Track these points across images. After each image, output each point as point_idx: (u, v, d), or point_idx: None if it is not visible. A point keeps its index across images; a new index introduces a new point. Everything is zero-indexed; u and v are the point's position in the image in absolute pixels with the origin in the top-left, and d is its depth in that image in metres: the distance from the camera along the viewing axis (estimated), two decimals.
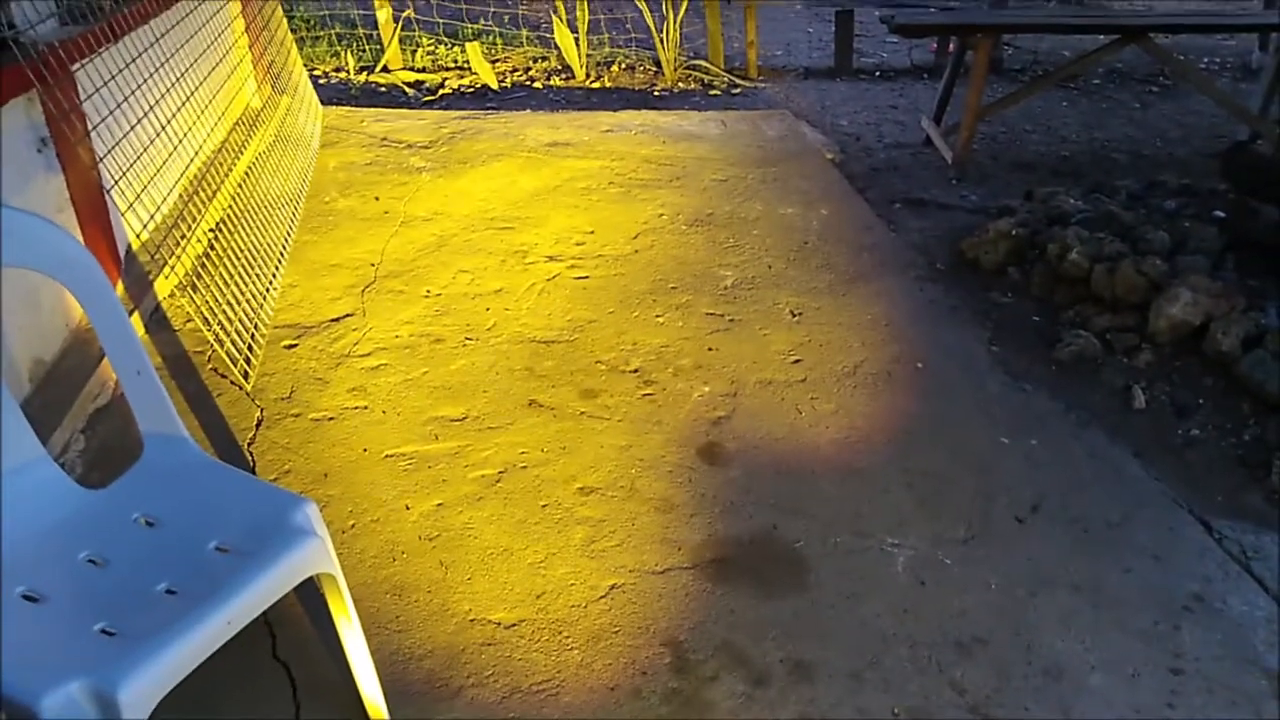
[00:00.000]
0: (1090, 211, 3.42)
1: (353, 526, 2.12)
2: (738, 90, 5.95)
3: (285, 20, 4.88)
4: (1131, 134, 5.15)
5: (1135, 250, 3.07)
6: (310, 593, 1.79)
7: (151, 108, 2.87)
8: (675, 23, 6.00)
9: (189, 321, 2.86)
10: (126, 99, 2.71)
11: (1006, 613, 1.94)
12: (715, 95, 5.86)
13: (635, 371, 2.76)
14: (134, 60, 2.81)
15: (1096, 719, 1.72)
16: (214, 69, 3.69)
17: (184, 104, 3.17)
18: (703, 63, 6.24)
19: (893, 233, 3.78)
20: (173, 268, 2.92)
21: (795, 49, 7.06)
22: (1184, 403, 2.65)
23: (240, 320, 2.76)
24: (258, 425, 2.46)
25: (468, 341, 2.89)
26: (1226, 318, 2.72)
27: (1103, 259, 3.06)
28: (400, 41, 6.25)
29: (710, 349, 2.88)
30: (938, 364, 2.84)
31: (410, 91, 5.80)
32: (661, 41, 6.07)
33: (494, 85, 5.89)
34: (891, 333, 3.00)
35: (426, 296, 3.15)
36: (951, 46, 5.25)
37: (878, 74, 6.41)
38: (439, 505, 2.20)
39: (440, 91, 5.81)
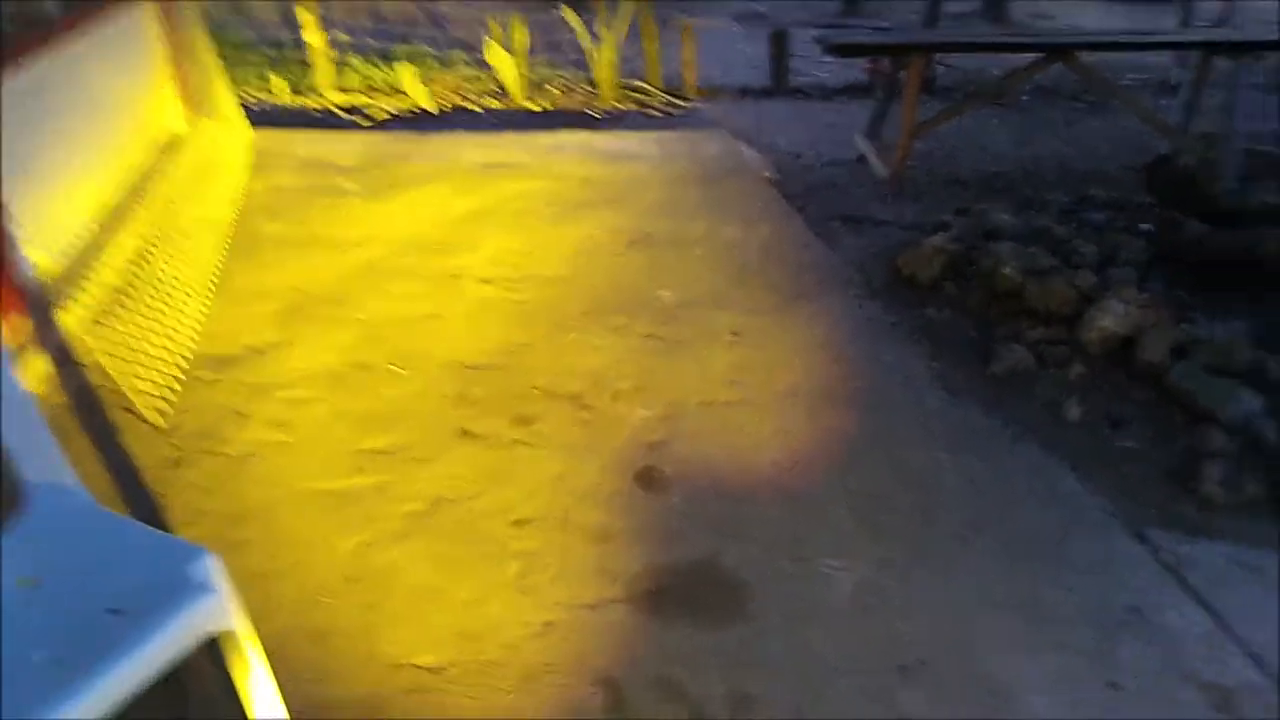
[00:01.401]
0: (1022, 226, 3.46)
1: (272, 569, 2.02)
2: (676, 110, 5.94)
3: (210, 43, 4.75)
4: (1060, 149, 5.26)
5: (1066, 263, 3.10)
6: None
7: (61, 134, 2.74)
8: (611, 44, 5.99)
9: (99, 355, 2.72)
10: (32, 124, 2.58)
11: (948, 634, 1.91)
12: (653, 115, 5.85)
13: (572, 396, 2.70)
14: (41, 86, 2.69)
15: None
16: (132, 93, 3.55)
17: (99, 130, 3.04)
18: (640, 83, 6.23)
19: (831, 251, 3.78)
20: (82, 300, 2.78)
21: (732, 69, 7.09)
22: (1117, 414, 2.67)
23: (155, 353, 2.64)
24: (171, 465, 2.34)
25: (396, 369, 2.80)
26: (1155, 329, 2.76)
27: (1035, 273, 3.09)
28: (331, 64, 6.13)
29: (649, 371, 2.83)
30: (877, 382, 2.82)
31: (342, 114, 5.68)
32: (598, 62, 6.05)
33: (428, 107, 5.80)
34: (831, 352, 2.98)
35: (355, 323, 3.05)
36: (885, 66, 5.32)
37: (813, 93, 6.46)
38: (364, 543, 2.10)
39: (373, 113, 5.71)
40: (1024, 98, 6.26)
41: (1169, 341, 2.71)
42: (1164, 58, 6.89)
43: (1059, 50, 4.42)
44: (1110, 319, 2.80)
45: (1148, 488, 2.41)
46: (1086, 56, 4.74)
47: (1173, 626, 1.96)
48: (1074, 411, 2.69)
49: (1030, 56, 4.76)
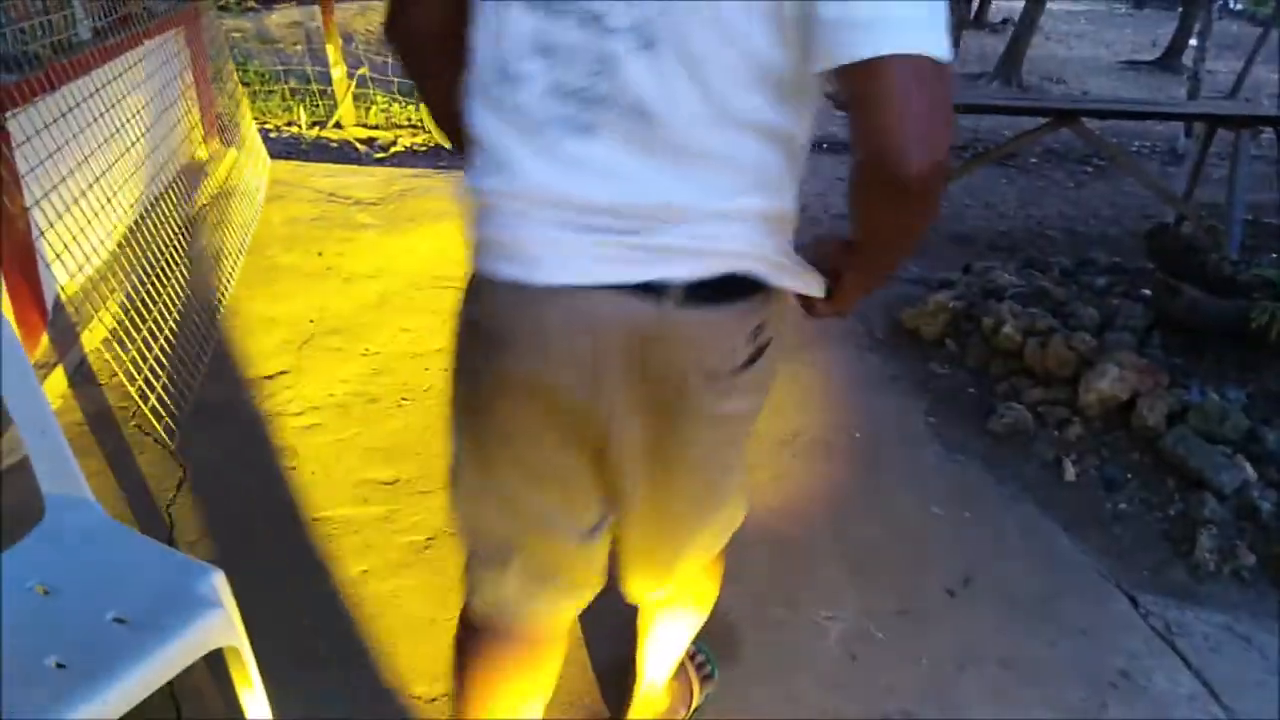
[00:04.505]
0: (1024, 286, 3.52)
1: (272, 591, 2.04)
2: None
3: (236, 73, 4.88)
4: (1066, 211, 5.35)
5: (1066, 325, 3.15)
6: (222, 663, 1.71)
7: (87, 157, 2.82)
8: None
9: (115, 375, 2.78)
10: (61, 148, 2.67)
11: (935, 688, 1.93)
12: None
13: None
14: (71, 110, 2.78)
15: None
16: (158, 119, 3.66)
17: (124, 154, 3.13)
18: None
19: None
20: (101, 319, 2.84)
21: None
22: (1112, 476, 2.70)
23: (168, 376, 2.69)
24: (179, 486, 2.38)
25: (404, 401, 2.84)
26: (1152, 394, 2.79)
27: (1035, 333, 3.13)
28: (355, 98, 6.28)
29: None
30: (875, 433, 2.86)
31: (362, 148, 5.81)
32: None
33: (447, 144, 5.92)
34: (831, 401, 3.02)
35: (365, 355, 3.11)
36: None
37: (825, 146, 6.58)
38: (364, 571, 2.13)
39: (392, 149, 5.83)
40: (1033, 159, 6.37)
41: (1165, 407, 2.75)
42: (1174, 126, 7.01)
43: (1064, 115, 4.51)
44: (1107, 382, 2.84)
45: (1140, 551, 2.44)
46: (1091, 122, 4.83)
47: (1161, 690, 1.97)
48: (1070, 472, 2.72)
49: (1038, 120, 4.87)
